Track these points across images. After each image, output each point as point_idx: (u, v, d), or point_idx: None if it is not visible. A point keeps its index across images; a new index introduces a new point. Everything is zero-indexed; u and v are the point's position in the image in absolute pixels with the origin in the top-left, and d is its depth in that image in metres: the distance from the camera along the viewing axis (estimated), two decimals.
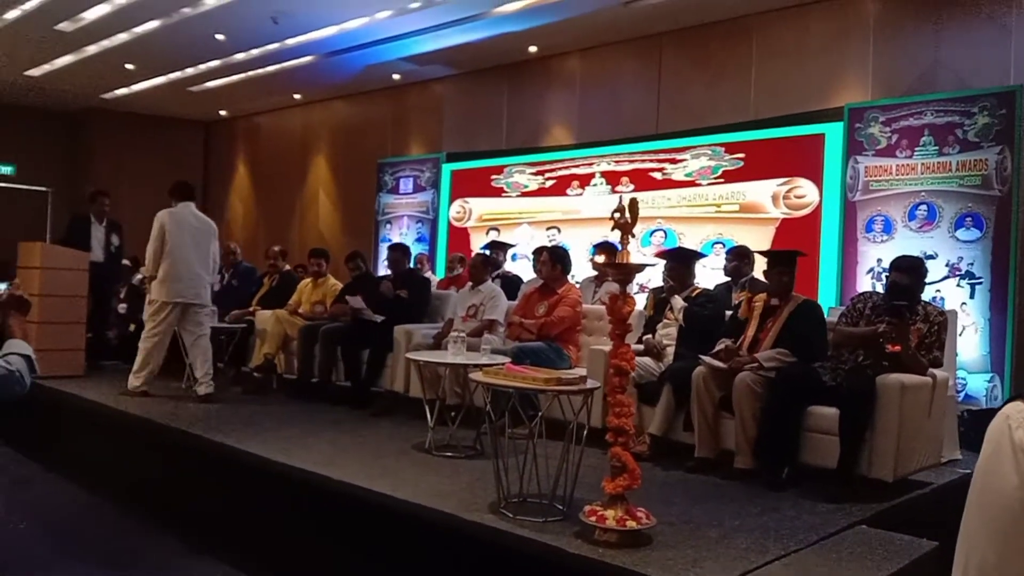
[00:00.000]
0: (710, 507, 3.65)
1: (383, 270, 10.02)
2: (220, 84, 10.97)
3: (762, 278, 6.33)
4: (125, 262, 8.29)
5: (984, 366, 5.88)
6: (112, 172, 12.35)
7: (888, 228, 6.43)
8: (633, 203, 3.20)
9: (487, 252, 7.11)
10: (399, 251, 6.80)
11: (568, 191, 8.74)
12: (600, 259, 6.30)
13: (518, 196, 9.21)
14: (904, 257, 4.51)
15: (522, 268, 8.43)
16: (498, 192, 9.38)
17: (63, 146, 13.20)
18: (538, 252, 6.59)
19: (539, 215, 8.99)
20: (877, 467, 3.89)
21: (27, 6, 8.20)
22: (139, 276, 7.62)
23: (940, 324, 4.19)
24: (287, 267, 7.70)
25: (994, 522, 1.04)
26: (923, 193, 6.27)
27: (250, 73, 10.37)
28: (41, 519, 4.70)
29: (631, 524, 3.01)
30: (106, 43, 9.34)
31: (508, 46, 8.81)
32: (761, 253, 4.81)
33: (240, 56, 9.69)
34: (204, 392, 6.09)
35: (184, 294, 6.05)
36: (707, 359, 4.41)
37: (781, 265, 4.54)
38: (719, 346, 4.47)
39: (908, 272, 4.31)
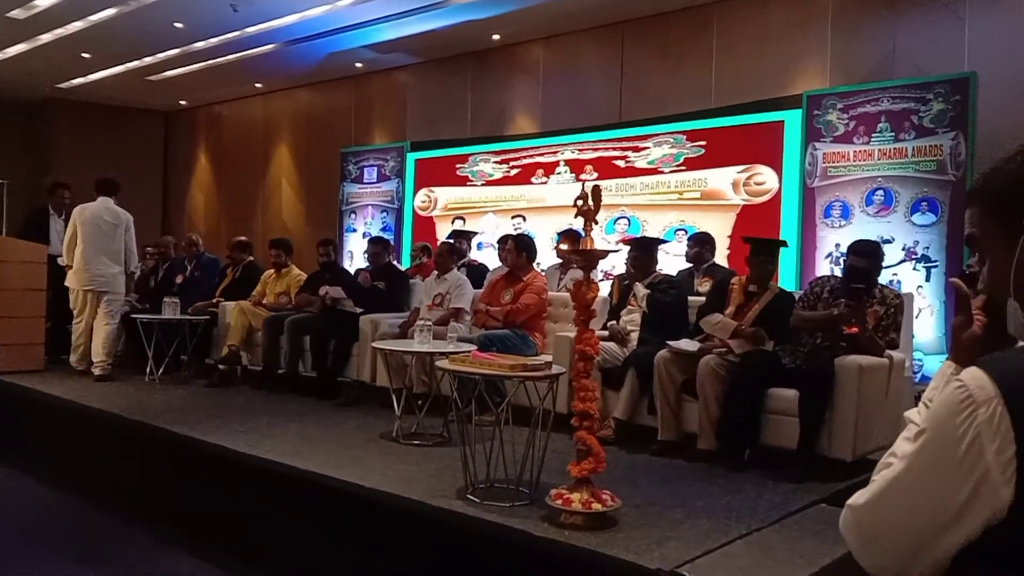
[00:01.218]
0: (674, 489, 3.72)
1: (347, 261, 10.00)
2: (180, 73, 10.80)
3: (723, 263, 6.47)
4: None
5: (940, 347, 6.02)
6: (71, 163, 12.10)
7: (846, 213, 6.55)
8: (596, 190, 3.24)
9: (451, 241, 7.12)
10: (379, 244, 6.88)
11: (533, 179, 8.77)
12: (564, 247, 6.37)
13: (483, 185, 9.21)
14: (861, 241, 4.61)
15: (488, 256, 8.45)
16: (463, 181, 9.38)
17: (19, 137, 12.90)
18: (503, 240, 6.63)
19: (504, 203, 9.01)
20: (836, 447, 3.99)
21: None
22: None
23: (896, 307, 4.29)
24: (250, 258, 7.63)
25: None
26: (880, 179, 6.39)
27: (210, 62, 10.22)
28: (7, 517, 4.64)
29: (596, 506, 3.06)
30: (61, 31, 9.14)
31: (471, 34, 8.79)
32: (746, 240, 4.88)
33: (200, 44, 9.55)
34: (98, 374, 6.62)
35: (91, 283, 6.71)
36: (675, 345, 4.47)
37: (765, 254, 4.63)
38: (714, 319, 4.51)
39: (865, 256, 4.40)
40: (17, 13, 8.54)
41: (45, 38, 9.39)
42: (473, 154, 9.31)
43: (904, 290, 6.02)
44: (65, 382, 6.38)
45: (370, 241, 7.02)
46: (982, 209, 1.18)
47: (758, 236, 4.99)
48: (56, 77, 11.22)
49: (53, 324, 7.27)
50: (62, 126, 12.60)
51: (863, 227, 6.34)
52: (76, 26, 8.93)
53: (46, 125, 12.73)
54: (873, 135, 6.43)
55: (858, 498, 1.14)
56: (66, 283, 6.81)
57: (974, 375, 1.03)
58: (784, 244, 5.00)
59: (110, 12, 8.44)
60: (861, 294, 4.12)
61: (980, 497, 1.00)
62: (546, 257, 7.53)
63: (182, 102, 12.97)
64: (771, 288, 4.61)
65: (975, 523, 1.00)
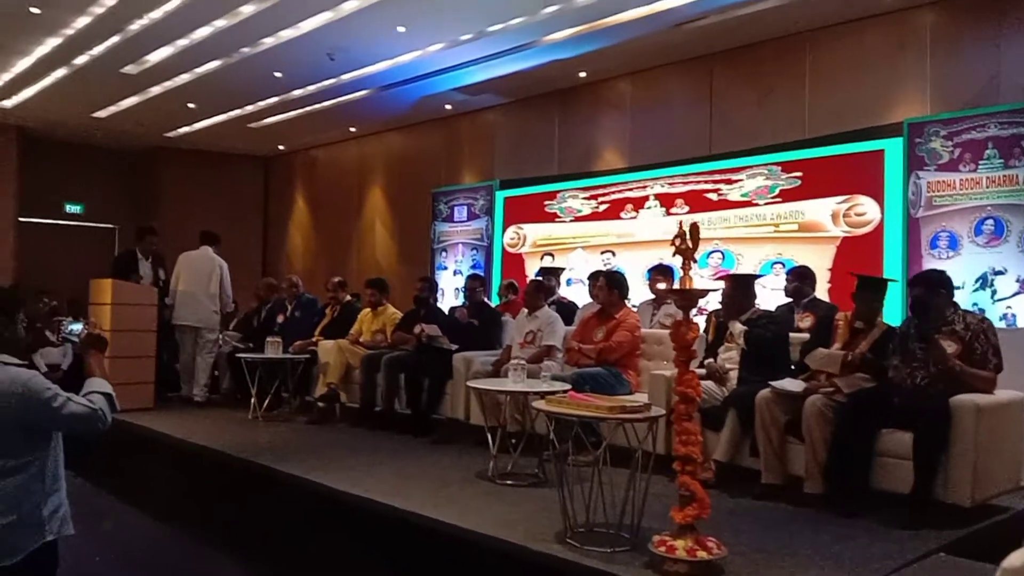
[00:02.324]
0: (781, 535, 3.59)
1: (439, 299, 10.13)
2: (278, 120, 11.25)
3: (824, 297, 6.28)
4: None
5: None
6: (175, 207, 12.76)
7: (954, 244, 6.28)
8: (694, 228, 3.20)
9: (540, 279, 7.13)
10: (478, 281, 7.05)
11: (622, 214, 8.73)
12: (662, 285, 6.30)
13: (572, 221, 9.23)
14: (922, 271, 4.44)
15: (577, 293, 8.42)
16: (552, 217, 9.41)
17: (129, 184, 13.67)
18: (594, 277, 6.60)
19: (593, 239, 8.99)
20: (953, 491, 3.78)
21: (95, 51, 8.54)
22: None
23: (984, 330, 4.05)
24: (348, 297, 7.82)
25: None
26: (989, 207, 6.11)
27: (307, 108, 10.62)
28: (116, 550, 4.82)
29: (702, 554, 2.97)
30: (169, 84, 9.66)
31: (558, 73, 8.87)
32: (853, 275, 4.75)
33: (297, 92, 9.93)
34: (199, 400, 7.73)
35: (188, 319, 7.80)
36: (778, 385, 4.35)
37: (868, 291, 4.50)
38: (820, 353, 4.39)
39: (921, 285, 4.22)
40: (130, 69, 9.07)
41: (155, 90, 9.93)
42: (561, 191, 9.34)
43: (1020, 323, 5.72)
44: (174, 419, 6.63)
45: (470, 277, 7.14)
46: None
47: (863, 272, 4.82)
48: (164, 127, 11.84)
49: (160, 363, 7.60)
50: (168, 173, 13.29)
51: (972, 258, 6.07)
52: (183, 78, 9.42)
53: (154, 172, 13.44)
54: (980, 162, 6.16)
55: (1014, 560, 1.07)
56: (172, 321, 7.76)
57: None
58: (893, 281, 4.82)
59: (215, 64, 8.88)
60: (929, 332, 3.95)
61: None
62: (637, 293, 7.45)
63: (280, 147, 13.49)
64: (879, 325, 4.44)
65: None
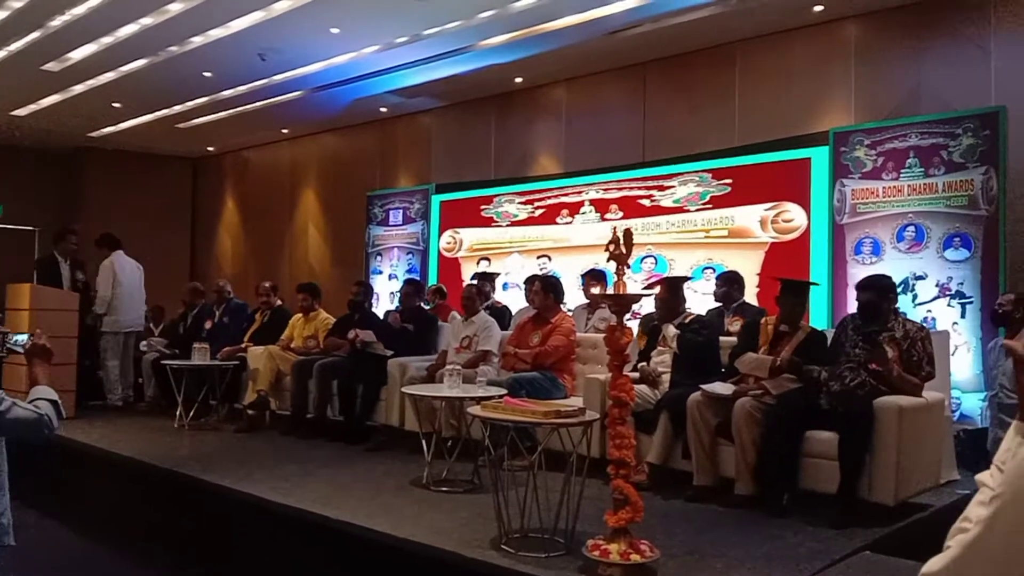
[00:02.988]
0: (713, 536, 3.64)
1: (373, 303, 10.02)
2: (208, 120, 10.98)
3: (753, 302, 6.41)
4: None
5: (978, 385, 5.90)
6: (101, 209, 12.31)
7: (877, 250, 6.47)
8: (627, 234, 3.22)
9: (476, 283, 7.11)
10: (413, 286, 6.96)
11: (557, 219, 8.78)
12: (596, 290, 6.34)
13: (508, 225, 9.24)
14: (868, 276, 4.57)
15: (513, 297, 8.44)
16: (488, 222, 9.41)
17: (52, 185, 13.14)
18: (530, 281, 6.62)
19: (530, 244, 9.01)
20: (878, 491, 3.89)
21: (13, 47, 8.21)
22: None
23: (923, 339, 4.18)
24: (279, 302, 7.67)
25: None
26: (911, 214, 6.33)
27: (238, 109, 10.39)
28: (35, 566, 4.62)
29: (635, 558, 2.99)
30: (93, 82, 9.34)
31: (494, 77, 8.87)
32: (776, 279, 4.84)
33: (228, 92, 9.71)
34: (120, 404, 7.70)
35: (132, 325, 7.89)
36: (709, 389, 4.41)
37: (791, 295, 4.59)
38: (749, 358, 4.45)
39: (868, 289, 4.34)
40: (51, 66, 8.74)
41: (78, 88, 9.60)
42: (498, 195, 9.35)
43: (939, 327, 5.93)
44: (96, 428, 6.41)
45: (405, 282, 7.07)
46: None
47: (788, 276, 4.93)
48: (88, 126, 11.45)
49: (81, 370, 7.34)
50: (93, 174, 12.84)
51: (895, 263, 6.26)
52: (108, 77, 9.12)
53: (78, 173, 12.99)
54: (902, 171, 6.38)
55: (933, 564, 1.10)
56: (105, 328, 7.64)
57: None
58: (815, 284, 4.94)
59: (141, 63, 8.62)
60: (875, 336, 4.06)
61: None
62: (573, 297, 7.50)
63: (210, 148, 13.18)
64: (803, 328, 4.55)
65: None
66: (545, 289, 5.83)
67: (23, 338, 2.72)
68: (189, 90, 9.65)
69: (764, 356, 4.45)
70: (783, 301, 4.60)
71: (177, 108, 10.48)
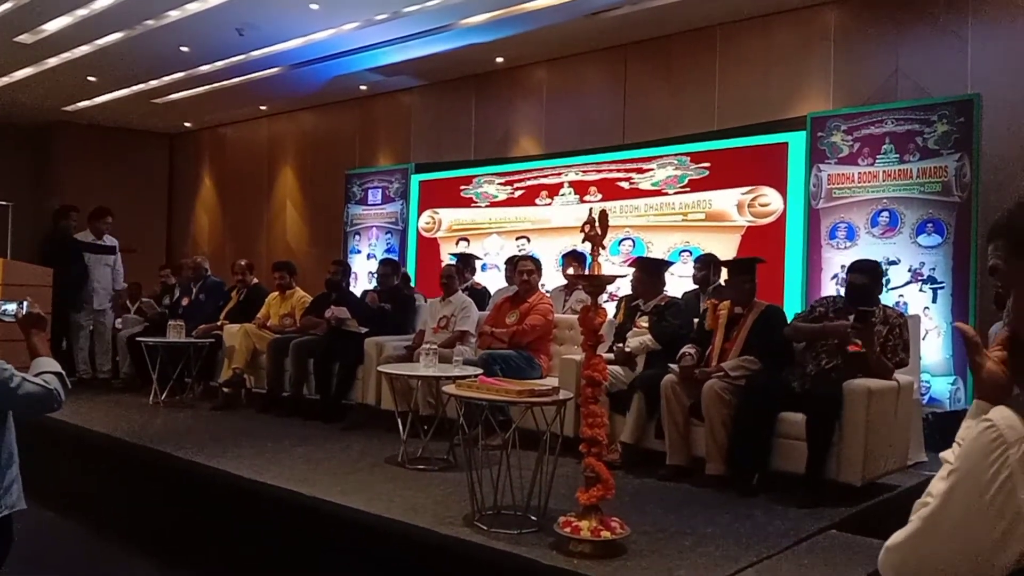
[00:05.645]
0: (683, 515, 3.68)
1: (351, 282, 9.99)
2: (185, 96, 10.85)
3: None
4: None
5: (947, 369, 5.99)
6: (76, 185, 12.14)
7: (851, 235, 6.54)
8: (603, 215, 3.23)
9: (455, 263, 7.11)
10: (390, 266, 6.92)
11: (537, 201, 8.78)
12: (571, 270, 6.37)
13: (487, 206, 9.23)
14: (861, 260, 4.61)
15: (492, 278, 8.44)
16: (467, 202, 9.39)
17: (25, 159, 12.96)
18: (511, 261, 6.63)
19: (509, 225, 9.01)
20: (845, 471, 3.96)
21: None
22: None
23: (901, 325, 4.26)
24: (255, 280, 7.63)
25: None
26: (885, 200, 6.39)
27: (215, 85, 10.28)
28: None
29: (605, 534, 3.03)
30: (68, 55, 9.20)
31: (475, 57, 8.83)
32: (722, 263, 4.88)
33: (205, 68, 9.60)
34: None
35: (103, 304, 7.73)
36: (674, 367, 4.46)
37: (741, 273, 4.63)
38: (684, 353, 4.52)
39: (864, 272, 4.39)
40: (25, 38, 8.60)
41: (52, 62, 9.45)
42: (477, 176, 9.33)
43: (911, 312, 6.00)
44: (71, 406, 6.35)
45: (381, 262, 7.04)
46: (1008, 244, 1.18)
47: (764, 260, 4.97)
48: (62, 100, 11.28)
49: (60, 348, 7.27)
50: (67, 149, 12.66)
51: (868, 248, 6.32)
52: (83, 50, 8.99)
53: (52, 148, 12.80)
54: (878, 157, 6.43)
55: (895, 538, 1.13)
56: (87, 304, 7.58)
57: (1004, 414, 1.02)
58: (761, 261, 4.95)
59: (117, 36, 8.50)
60: (868, 316, 4.10)
61: (1014, 536, 0.99)
62: (550, 278, 7.52)
63: (187, 124, 13.04)
64: (756, 305, 4.59)
65: (1011, 560, 1.00)
66: (539, 268, 5.94)
67: (12, 307, 2.63)
68: (166, 65, 9.52)
69: (678, 368, 4.48)
70: (731, 283, 4.66)
71: (153, 83, 10.35)
